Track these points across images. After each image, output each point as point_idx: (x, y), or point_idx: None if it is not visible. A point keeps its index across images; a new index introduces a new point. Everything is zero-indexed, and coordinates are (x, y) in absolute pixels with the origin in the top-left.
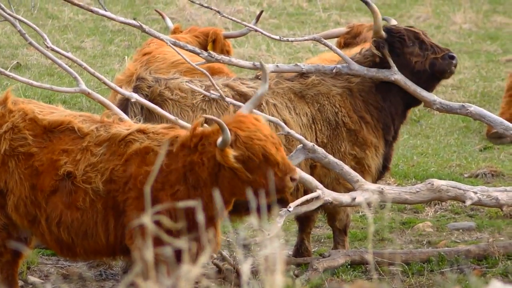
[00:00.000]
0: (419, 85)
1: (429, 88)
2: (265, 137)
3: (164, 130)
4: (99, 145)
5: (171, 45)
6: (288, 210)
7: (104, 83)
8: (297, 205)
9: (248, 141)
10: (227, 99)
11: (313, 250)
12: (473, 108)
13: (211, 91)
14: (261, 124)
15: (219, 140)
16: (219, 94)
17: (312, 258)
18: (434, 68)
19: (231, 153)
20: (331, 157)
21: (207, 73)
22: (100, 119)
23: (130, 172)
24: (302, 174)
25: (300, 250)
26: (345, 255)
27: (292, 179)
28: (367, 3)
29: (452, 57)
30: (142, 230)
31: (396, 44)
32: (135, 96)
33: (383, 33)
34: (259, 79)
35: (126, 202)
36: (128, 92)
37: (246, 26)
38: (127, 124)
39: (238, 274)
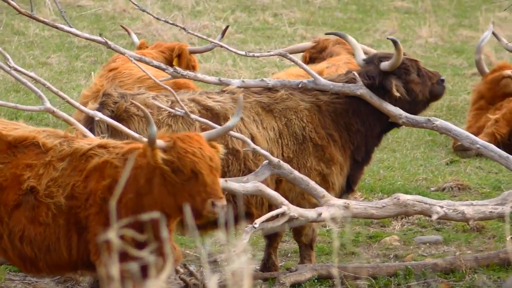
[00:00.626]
0: (417, 110)
1: (419, 112)
2: (201, 156)
3: (123, 144)
4: (61, 160)
5: (135, 61)
6: (253, 226)
7: (68, 102)
8: (263, 221)
9: (182, 152)
10: (192, 115)
11: (280, 264)
12: (439, 122)
13: (176, 108)
14: (207, 147)
15: (148, 131)
16: (184, 111)
17: (279, 273)
18: (433, 94)
19: (160, 154)
20: (296, 172)
21: (172, 90)
22: (64, 134)
23: (90, 188)
24: (267, 190)
25: (267, 265)
26: (312, 270)
27: (214, 205)
28: (395, 42)
29: (443, 81)
30: (107, 245)
31: (402, 76)
32: (99, 115)
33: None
34: (225, 92)
35: (88, 218)
36: (92, 111)
37: (211, 42)
38: (90, 140)
39: None
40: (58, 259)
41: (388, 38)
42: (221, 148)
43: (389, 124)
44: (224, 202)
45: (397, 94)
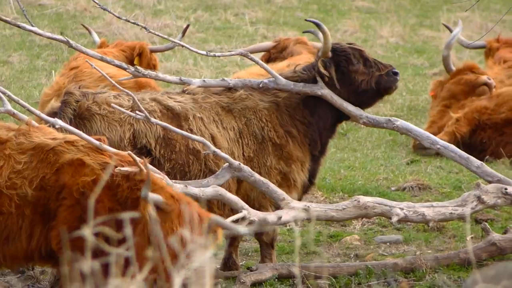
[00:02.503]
0: (364, 102)
1: (371, 104)
2: (183, 239)
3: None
4: (22, 153)
5: (95, 66)
6: None
7: (28, 110)
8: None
9: (168, 224)
10: (152, 119)
11: (241, 263)
12: (400, 122)
13: (137, 112)
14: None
15: (143, 191)
16: (144, 115)
17: (239, 272)
18: (380, 85)
19: (150, 210)
20: (257, 175)
21: (132, 94)
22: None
23: (64, 181)
24: (227, 194)
25: (228, 264)
26: (272, 269)
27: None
28: (318, 25)
29: (396, 73)
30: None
31: (342, 63)
32: (59, 123)
33: (330, 53)
34: (186, 93)
35: (59, 209)
36: (52, 119)
37: (172, 41)
38: (46, 132)
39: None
40: (15, 249)
41: (306, 20)
42: (221, 238)
43: (341, 114)
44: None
45: (325, 72)
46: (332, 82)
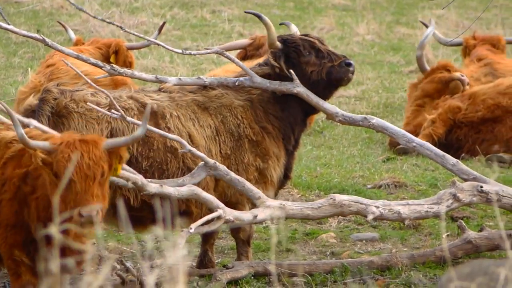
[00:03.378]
0: (317, 94)
1: (327, 96)
2: (78, 164)
3: (44, 134)
4: None
5: (70, 65)
6: (189, 231)
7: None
8: (199, 226)
9: (60, 156)
10: (128, 118)
11: (217, 261)
12: (375, 120)
13: (113, 111)
14: (93, 152)
15: (31, 142)
16: (120, 114)
17: (215, 270)
18: (331, 76)
19: (39, 155)
20: (232, 174)
21: (108, 94)
22: None
23: (7, 174)
24: (203, 194)
25: (204, 262)
26: (248, 266)
27: (80, 214)
28: (259, 17)
29: (349, 64)
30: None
31: (291, 54)
32: (34, 123)
33: (278, 44)
34: (162, 91)
35: (1, 203)
36: (26, 119)
37: (148, 40)
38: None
39: (142, 285)
40: None
41: (246, 12)
42: (125, 156)
43: (311, 108)
44: (92, 212)
45: (275, 64)
46: (284, 73)
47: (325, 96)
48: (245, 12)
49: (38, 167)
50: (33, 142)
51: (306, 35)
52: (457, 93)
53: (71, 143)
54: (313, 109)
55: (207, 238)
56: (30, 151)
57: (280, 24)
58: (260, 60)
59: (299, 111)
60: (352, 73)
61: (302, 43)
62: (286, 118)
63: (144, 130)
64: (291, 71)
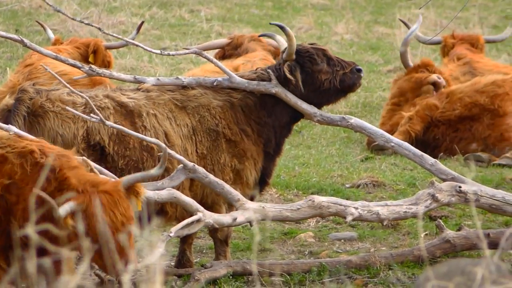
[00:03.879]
0: (326, 100)
1: (335, 102)
2: (111, 223)
3: (20, 139)
4: None
5: (49, 69)
6: (169, 235)
7: None
8: (179, 229)
9: (93, 220)
10: (107, 122)
11: (195, 260)
12: (354, 120)
13: (91, 114)
14: (122, 207)
15: (59, 210)
16: (99, 118)
17: (194, 269)
18: (344, 83)
19: (70, 222)
20: (212, 176)
21: (87, 97)
22: None
23: None
24: (182, 197)
25: (182, 261)
26: (227, 266)
27: (120, 269)
28: (282, 28)
29: (360, 70)
30: None
31: (306, 64)
32: (13, 129)
33: (294, 56)
34: (141, 90)
35: None
36: (6, 126)
37: (126, 41)
38: None
39: (120, 285)
40: None
41: (271, 23)
42: (142, 191)
43: (297, 114)
44: (132, 263)
45: (291, 77)
46: (298, 85)
47: (332, 102)
48: (270, 23)
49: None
50: (63, 210)
51: (313, 44)
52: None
53: (96, 201)
54: (299, 115)
55: (186, 238)
56: (60, 220)
57: (260, 36)
58: (239, 59)
59: (285, 117)
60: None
61: (315, 52)
62: (271, 123)
63: (161, 172)
64: (268, 70)
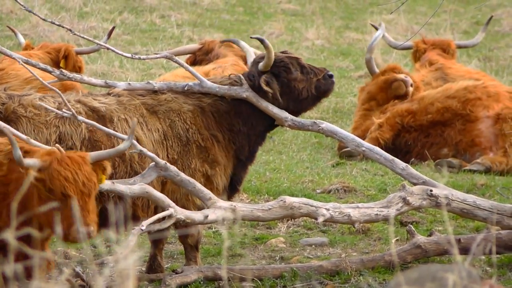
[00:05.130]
0: (304, 108)
1: (311, 109)
2: (73, 181)
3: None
4: None
5: (23, 63)
6: (140, 228)
7: None
8: (150, 224)
9: (55, 174)
10: (79, 117)
11: (166, 266)
12: (325, 125)
13: (64, 110)
14: (85, 170)
15: (24, 160)
16: (71, 113)
17: (165, 274)
18: (320, 90)
19: (32, 172)
20: (183, 175)
21: (59, 92)
22: None
23: None
24: (154, 192)
25: (153, 266)
26: (198, 271)
27: (78, 231)
28: (262, 41)
29: (331, 76)
30: None
31: (282, 74)
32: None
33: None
34: (111, 95)
35: None
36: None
37: (97, 44)
38: None
39: None
40: None
41: (251, 37)
42: (109, 168)
43: (272, 123)
44: (91, 228)
45: (268, 89)
46: (276, 97)
47: (308, 109)
48: (250, 37)
49: (31, 184)
50: (26, 161)
51: (285, 52)
52: (400, 93)
53: (63, 161)
54: (273, 124)
55: (156, 243)
56: (22, 169)
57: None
58: (210, 65)
59: (261, 126)
60: None
61: (290, 61)
62: (246, 132)
63: (129, 144)
64: (240, 76)
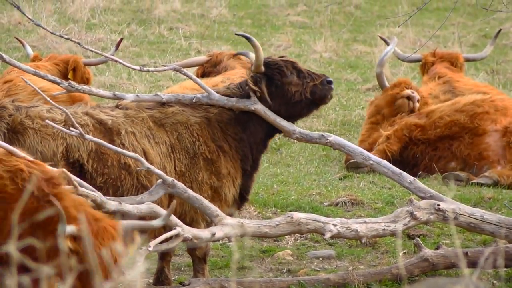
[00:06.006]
0: (298, 113)
1: (308, 114)
2: (100, 260)
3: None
4: None
5: (29, 83)
6: (148, 249)
7: None
8: (157, 243)
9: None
10: (87, 136)
11: (173, 278)
12: (333, 137)
13: (71, 128)
14: (117, 244)
15: (59, 227)
16: (79, 131)
17: (172, 287)
18: (315, 95)
19: (68, 243)
20: (191, 192)
21: (66, 110)
22: None
23: None
24: (162, 211)
25: (160, 278)
26: (205, 284)
27: None
28: (248, 39)
29: (330, 82)
30: None
31: (275, 76)
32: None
33: (263, 68)
34: (119, 107)
35: None
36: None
37: (106, 56)
38: None
39: None
40: None
41: (236, 34)
42: (138, 240)
43: (272, 130)
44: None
45: (256, 88)
46: (263, 97)
47: (304, 115)
48: (235, 34)
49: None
50: (69, 228)
51: (282, 56)
52: (403, 111)
53: (98, 232)
54: (274, 131)
55: (164, 255)
56: (60, 238)
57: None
58: (218, 77)
59: (261, 132)
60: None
61: (284, 64)
62: (246, 139)
63: (164, 222)
64: (239, 84)
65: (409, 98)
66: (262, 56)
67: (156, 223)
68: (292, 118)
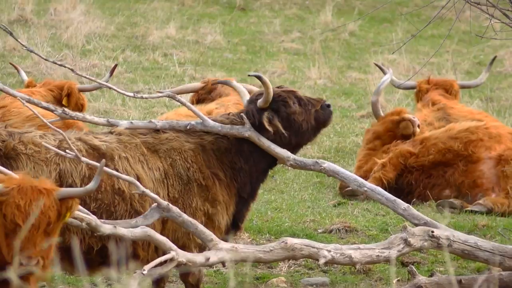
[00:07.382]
0: (306, 140)
1: (313, 140)
2: (24, 211)
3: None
4: None
5: (26, 104)
6: (142, 273)
7: None
8: (152, 267)
9: (10, 201)
10: (83, 158)
11: None
12: (327, 164)
13: (67, 151)
14: (44, 201)
15: None
16: (74, 154)
17: None
18: (319, 120)
19: None
20: (185, 216)
21: (63, 133)
22: None
23: None
24: (156, 235)
25: None
26: None
27: (20, 262)
28: (259, 78)
29: (329, 105)
30: None
31: (281, 108)
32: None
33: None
34: (113, 134)
35: None
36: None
37: (100, 83)
38: None
39: None
40: None
41: (249, 75)
42: (75, 207)
43: (274, 160)
44: (33, 261)
45: (270, 129)
46: (279, 132)
47: (310, 141)
48: (248, 75)
49: None
50: None
51: (280, 87)
52: (408, 133)
53: (23, 189)
54: (275, 161)
55: (158, 282)
56: None
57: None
58: (213, 103)
59: (263, 163)
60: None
61: (287, 95)
62: (248, 169)
63: (97, 184)
64: (242, 115)
65: (410, 121)
66: (271, 93)
67: (90, 186)
68: (300, 146)
